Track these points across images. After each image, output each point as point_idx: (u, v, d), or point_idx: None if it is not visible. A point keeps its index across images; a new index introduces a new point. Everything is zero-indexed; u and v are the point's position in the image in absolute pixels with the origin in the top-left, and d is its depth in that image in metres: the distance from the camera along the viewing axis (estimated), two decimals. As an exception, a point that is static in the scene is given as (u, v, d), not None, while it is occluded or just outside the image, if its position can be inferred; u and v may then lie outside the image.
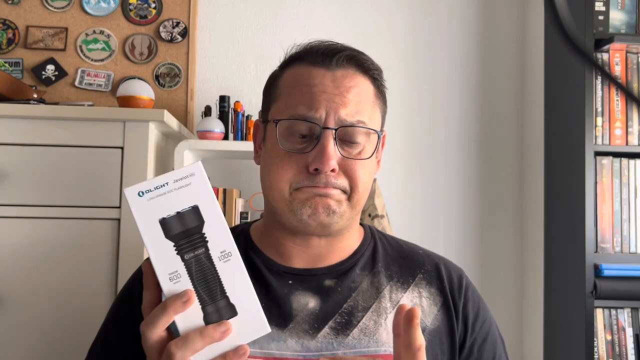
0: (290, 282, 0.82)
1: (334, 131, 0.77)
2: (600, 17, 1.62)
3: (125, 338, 0.81)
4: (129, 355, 0.80)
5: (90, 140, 1.36)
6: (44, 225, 1.34)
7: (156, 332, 0.62)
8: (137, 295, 0.82)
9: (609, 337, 1.58)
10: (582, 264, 1.57)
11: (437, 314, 0.83)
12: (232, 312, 0.63)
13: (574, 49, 0.36)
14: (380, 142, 0.82)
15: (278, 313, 0.79)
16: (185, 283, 0.62)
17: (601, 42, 1.62)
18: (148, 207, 0.63)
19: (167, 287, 0.62)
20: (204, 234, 0.64)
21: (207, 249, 0.64)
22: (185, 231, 0.63)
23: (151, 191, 0.63)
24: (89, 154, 1.36)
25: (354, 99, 0.79)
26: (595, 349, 1.56)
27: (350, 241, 0.86)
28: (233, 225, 1.57)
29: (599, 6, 1.62)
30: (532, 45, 1.96)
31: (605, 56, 1.65)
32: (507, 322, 1.94)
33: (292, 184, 0.78)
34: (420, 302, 0.83)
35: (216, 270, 0.64)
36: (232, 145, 1.65)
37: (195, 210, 0.64)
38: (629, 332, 1.59)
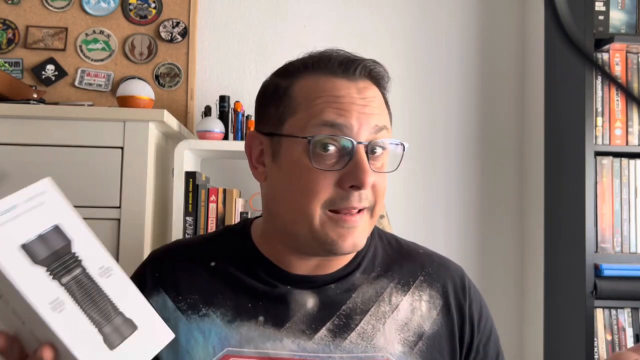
0: (288, 287, 0.81)
1: (366, 146, 0.74)
2: (600, 17, 1.62)
3: None
4: None
5: (90, 140, 1.36)
6: (44, 225, 1.34)
7: None
8: None
9: (609, 337, 1.58)
10: (582, 264, 1.57)
11: (436, 318, 0.82)
12: (132, 327, 0.59)
13: (574, 49, 0.36)
14: (403, 153, 0.80)
15: (275, 312, 0.78)
16: (71, 309, 0.55)
17: (601, 42, 1.62)
18: (1, 234, 0.54)
19: (53, 318, 0.54)
20: (75, 253, 0.58)
21: (83, 268, 0.58)
22: (53, 253, 0.56)
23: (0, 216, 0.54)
24: (89, 154, 1.36)
25: (377, 108, 0.77)
26: (595, 349, 1.56)
27: None
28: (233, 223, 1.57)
29: (599, 6, 1.62)
30: (532, 45, 1.96)
31: (605, 56, 1.65)
32: (507, 322, 1.94)
33: (324, 204, 0.74)
34: (419, 305, 0.83)
35: (101, 288, 0.58)
36: (232, 145, 1.65)
37: (57, 229, 0.58)
38: (629, 332, 1.59)
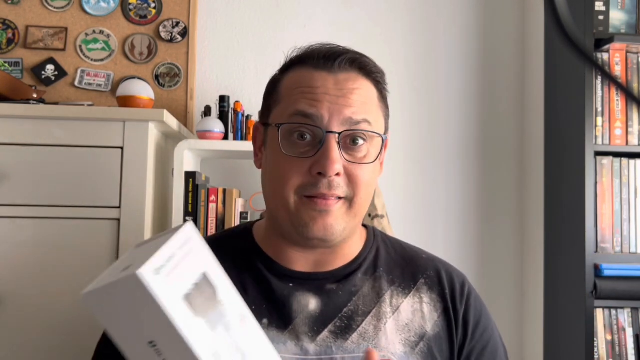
0: (291, 284, 0.81)
1: (337, 135, 0.76)
2: (600, 17, 1.62)
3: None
4: None
5: (90, 140, 1.36)
6: (44, 225, 1.34)
7: None
8: None
9: (609, 337, 1.58)
10: (582, 264, 1.57)
11: (437, 320, 0.83)
12: None
13: (574, 49, 0.36)
14: (383, 146, 0.81)
15: (278, 315, 0.79)
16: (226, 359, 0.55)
17: (601, 42, 1.62)
18: (167, 285, 0.52)
19: None
20: (220, 300, 0.57)
21: (228, 317, 0.57)
22: (206, 302, 0.55)
23: (165, 266, 0.53)
24: (89, 154, 1.36)
25: (359, 100, 0.78)
26: (595, 349, 1.56)
27: (352, 246, 0.86)
28: (233, 225, 1.57)
29: (599, 6, 1.62)
30: (532, 45, 1.96)
31: (605, 56, 1.65)
32: (507, 322, 1.94)
33: (297, 190, 0.77)
34: (421, 307, 0.83)
35: (244, 337, 0.58)
36: (232, 145, 1.65)
37: (205, 278, 0.57)
38: (629, 332, 1.59)
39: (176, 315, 0.51)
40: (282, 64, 0.85)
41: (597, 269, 1.56)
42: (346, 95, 0.77)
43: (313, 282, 0.82)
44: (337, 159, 0.75)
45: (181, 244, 0.56)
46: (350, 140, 0.77)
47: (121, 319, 0.51)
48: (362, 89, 0.79)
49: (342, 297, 0.81)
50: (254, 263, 0.83)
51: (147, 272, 0.50)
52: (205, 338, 0.53)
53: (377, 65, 0.83)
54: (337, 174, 0.76)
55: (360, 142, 0.78)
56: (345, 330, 0.79)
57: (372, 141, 0.79)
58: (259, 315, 0.78)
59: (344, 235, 0.79)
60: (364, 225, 0.91)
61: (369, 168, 0.79)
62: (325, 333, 0.78)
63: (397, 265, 0.86)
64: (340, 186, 0.77)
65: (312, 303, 0.80)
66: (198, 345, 0.51)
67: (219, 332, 0.55)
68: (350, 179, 0.77)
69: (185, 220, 1.55)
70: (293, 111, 0.77)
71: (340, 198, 0.77)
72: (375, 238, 0.89)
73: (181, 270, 0.54)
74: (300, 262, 0.83)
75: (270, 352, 0.61)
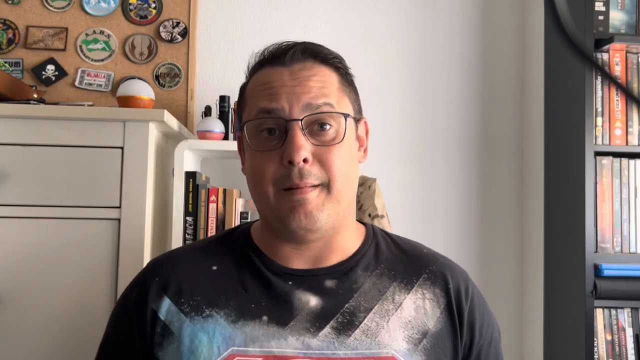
0: (290, 282, 0.81)
1: (300, 122, 0.78)
2: (600, 17, 1.62)
3: (124, 350, 0.82)
4: None
5: (90, 140, 1.36)
6: (44, 225, 1.34)
7: None
8: (134, 300, 0.83)
9: (609, 337, 1.58)
10: (582, 264, 1.57)
11: (439, 316, 0.83)
12: None
13: (574, 49, 0.36)
14: (348, 125, 0.81)
15: (278, 312, 0.79)
16: None
17: (601, 42, 1.62)
18: None
19: None
20: None
21: None
22: None
23: None
24: (89, 154, 1.36)
25: (316, 85, 0.80)
26: (595, 349, 1.56)
27: (348, 241, 0.86)
28: (233, 225, 1.57)
29: (599, 6, 1.62)
30: (532, 45, 1.96)
31: (605, 56, 1.65)
32: (507, 322, 1.94)
33: (274, 183, 0.78)
34: (423, 304, 0.83)
35: None
36: (232, 145, 1.64)
37: None
38: (629, 332, 1.59)
39: None
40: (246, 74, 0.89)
41: (597, 269, 1.56)
42: (302, 83, 0.80)
43: (312, 279, 0.82)
44: (302, 144, 0.77)
45: None
46: (317, 126, 0.79)
47: None
48: (317, 75, 0.81)
49: (343, 294, 0.81)
50: (253, 262, 0.84)
51: None
52: None
53: (332, 51, 0.85)
54: (305, 161, 0.77)
55: (327, 126, 0.79)
56: (347, 327, 0.79)
57: (339, 123, 0.80)
58: (258, 312, 0.79)
59: (330, 223, 0.79)
60: (363, 223, 0.91)
61: (340, 150, 0.79)
62: (327, 329, 0.78)
63: (399, 260, 0.86)
64: (311, 174, 0.77)
65: (313, 300, 0.80)
66: None
67: None
68: (322, 164, 0.78)
69: (185, 220, 1.55)
70: (256, 110, 0.80)
71: (315, 186, 0.78)
72: (374, 234, 0.89)
73: None
74: (297, 259, 0.83)
75: None
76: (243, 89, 0.88)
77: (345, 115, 0.81)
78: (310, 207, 0.77)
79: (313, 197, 0.78)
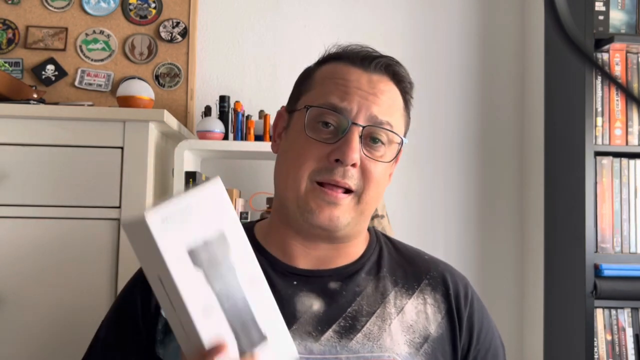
0: (294, 282, 0.81)
1: (361, 128, 0.79)
2: (600, 17, 1.62)
3: (125, 343, 0.82)
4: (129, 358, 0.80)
5: (90, 140, 1.36)
6: (44, 225, 1.34)
7: None
8: (137, 297, 0.82)
9: (609, 337, 1.58)
10: (582, 264, 1.57)
11: (440, 321, 0.83)
12: (263, 339, 0.61)
13: (574, 49, 0.36)
14: (398, 153, 0.84)
15: (282, 314, 0.79)
16: (218, 317, 0.58)
17: (601, 42, 1.62)
18: (174, 236, 0.55)
19: (202, 324, 0.56)
20: (231, 261, 0.59)
21: (236, 277, 0.59)
22: (213, 259, 0.58)
23: (175, 217, 0.56)
24: (89, 154, 1.36)
25: (387, 102, 0.81)
26: (595, 349, 1.56)
27: (356, 247, 0.86)
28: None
29: (599, 6, 1.62)
30: (532, 45, 1.96)
31: (605, 56, 1.65)
32: (507, 322, 1.94)
33: (310, 174, 0.79)
34: (424, 309, 0.83)
35: (246, 299, 0.60)
36: (232, 145, 1.64)
37: (222, 236, 0.59)
38: (629, 332, 1.59)
39: (173, 263, 0.55)
40: (318, 58, 0.88)
41: (597, 269, 1.56)
42: (376, 94, 0.81)
43: (316, 279, 0.82)
44: (357, 149, 0.78)
45: (201, 199, 0.58)
46: (370, 138, 0.80)
47: (141, 250, 0.57)
48: (391, 93, 0.83)
49: (346, 297, 0.81)
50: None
51: (153, 218, 0.54)
52: (199, 290, 0.56)
53: (408, 75, 0.87)
54: (354, 165, 0.78)
55: (379, 142, 0.81)
56: (349, 330, 0.79)
57: (390, 145, 0.82)
58: None
59: (347, 230, 0.81)
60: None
61: (382, 167, 0.82)
62: (329, 333, 0.78)
63: (400, 266, 0.87)
64: (353, 177, 0.79)
65: (316, 304, 0.80)
66: (189, 295, 0.55)
67: (217, 289, 0.58)
68: (364, 173, 0.79)
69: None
70: (325, 100, 0.80)
71: (350, 192, 0.79)
72: (377, 239, 0.90)
73: (193, 224, 0.57)
74: (304, 258, 0.83)
75: (276, 318, 0.63)
76: (312, 71, 0.86)
77: (402, 140, 0.83)
78: (338, 211, 0.79)
79: (344, 202, 0.79)
